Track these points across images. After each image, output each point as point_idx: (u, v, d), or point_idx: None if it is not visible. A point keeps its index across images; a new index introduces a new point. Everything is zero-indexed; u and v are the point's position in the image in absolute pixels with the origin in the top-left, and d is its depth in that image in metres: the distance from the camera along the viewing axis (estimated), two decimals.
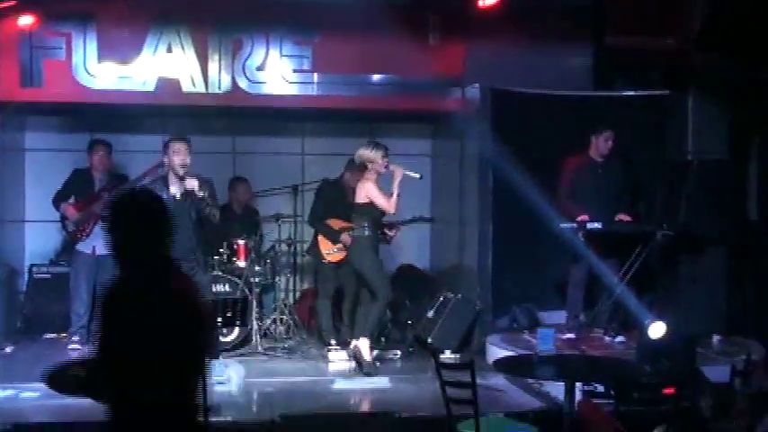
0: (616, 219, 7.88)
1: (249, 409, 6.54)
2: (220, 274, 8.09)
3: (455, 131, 9.02)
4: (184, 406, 3.26)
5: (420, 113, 9.25)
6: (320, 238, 8.38)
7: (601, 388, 6.18)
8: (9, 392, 6.39)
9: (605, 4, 8.92)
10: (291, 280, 9.45)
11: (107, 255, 8.62)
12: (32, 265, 8.97)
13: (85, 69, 8.27)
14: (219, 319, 5.68)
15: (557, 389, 6.04)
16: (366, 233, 7.47)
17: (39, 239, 9.22)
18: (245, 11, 8.45)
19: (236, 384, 7.09)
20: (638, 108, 8.72)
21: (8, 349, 7.96)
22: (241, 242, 8.35)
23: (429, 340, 8.07)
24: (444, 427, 5.18)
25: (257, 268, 8.44)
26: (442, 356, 7.65)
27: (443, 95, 8.87)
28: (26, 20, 8.02)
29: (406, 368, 7.70)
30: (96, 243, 8.02)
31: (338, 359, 7.89)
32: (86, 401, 3.43)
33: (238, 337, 8.06)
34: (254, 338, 8.14)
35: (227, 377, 7.09)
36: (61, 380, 3.27)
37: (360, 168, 7.54)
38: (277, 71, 8.62)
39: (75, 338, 8.06)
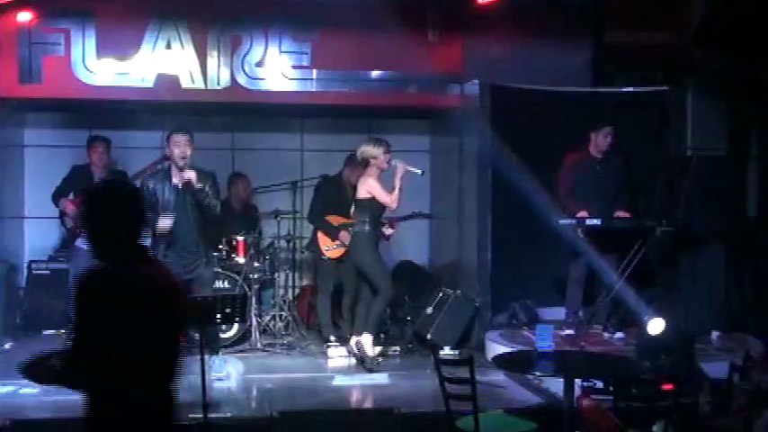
0: (615, 215, 7.88)
1: (248, 406, 6.54)
2: (219, 270, 8.09)
3: (454, 128, 9.02)
4: (161, 394, 3.26)
5: (419, 110, 9.26)
6: (319, 234, 8.37)
7: (600, 384, 6.18)
8: (8, 389, 6.40)
9: (604, 0, 8.92)
10: (290, 276, 9.46)
11: None
12: (32, 262, 8.97)
13: (84, 66, 8.27)
14: (218, 316, 5.66)
15: (556, 385, 6.04)
16: (366, 228, 7.47)
17: (38, 236, 9.22)
18: (244, 7, 8.46)
19: (236, 380, 7.11)
20: (638, 104, 8.72)
21: (7, 345, 7.96)
22: (240, 238, 8.34)
23: (428, 336, 8.07)
24: (443, 423, 5.18)
25: (256, 264, 8.44)
26: (441, 353, 7.65)
27: (442, 92, 8.87)
28: (25, 16, 8.04)
29: (405, 364, 7.70)
30: None
31: (337, 355, 7.89)
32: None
33: (237, 333, 8.07)
34: (253, 335, 8.14)
35: (226, 373, 7.11)
36: (37, 370, 3.27)
37: (362, 164, 7.53)
38: (276, 67, 8.62)
39: None
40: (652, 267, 8.18)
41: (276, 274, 9.04)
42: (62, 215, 8.21)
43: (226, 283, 8.12)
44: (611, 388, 6.02)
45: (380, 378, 7.26)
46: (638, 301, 7.45)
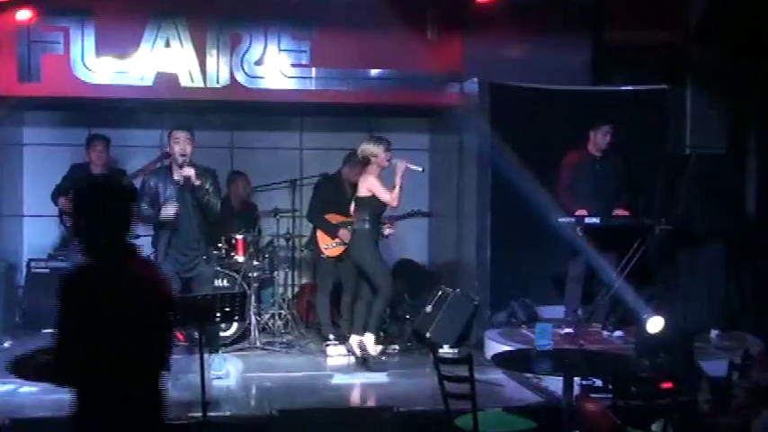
0: (614, 213, 7.88)
1: (247, 404, 6.53)
2: (219, 268, 8.09)
3: (453, 126, 9.02)
4: (149, 391, 3.26)
5: (418, 108, 9.26)
6: (319, 232, 8.37)
7: (599, 382, 6.18)
8: (8, 387, 6.39)
9: None
10: (290, 275, 9.46)
11: None
12: (31, 260, 8.96)
13: (83, 64, 8.27)
14: (218, 314, 5.67)
15: (555, 383, 6.04)
16: (366, 226, 7.46)
17: (37, 234, 9.22)
18: (243, 5, 8.46)
19: (235, 379, 7.11)
20: (637, 103, 8.72)
21: (6, 344, 7.96)
22: (239, 237, 8.34)
23: (427, 335, 8.08)
24: (442, 421, 5.18)
25: (255, 263, 8.44)
26: (440, 351, 7.66)
27: (442, 90, 8.87)
28: (24, 14, 8.03)
29: (404, 363, 7.70)
30: None
31: (336, 354, 7.89)
32: None
33: (237, 331, 8.06)
34: (252, 333, 8.14)
35: (225, 372, 7.11)
36: (25, 367, 3.28)
37: (363, 163, 7.52)
38: (275, 66, 8.61)
39: None
40: (651, 266, 8.18)
41: (275, 273, 9.04)
42: (61, 214, 8.21)
43: (225, 281, 8.12)
44: (610, 386, 6.02)
45: (379, 376, 7.25)
46: (638, 299, 7.45)
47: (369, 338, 7.47)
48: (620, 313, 8.02)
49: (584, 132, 8.08)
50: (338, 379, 7.28)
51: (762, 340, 7.51)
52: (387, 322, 8.59)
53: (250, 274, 8.31)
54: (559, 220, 7.69)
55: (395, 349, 8.11)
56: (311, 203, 8.60)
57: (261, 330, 8.35)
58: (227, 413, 6.06)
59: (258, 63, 8.59)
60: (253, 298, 8.20)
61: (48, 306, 8.71)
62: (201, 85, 8.47)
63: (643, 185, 8.53)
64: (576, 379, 5.73)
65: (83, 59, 8.26)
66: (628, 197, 8.16)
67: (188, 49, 8.41)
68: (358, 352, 7.56)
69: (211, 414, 5.60)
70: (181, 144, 6.86)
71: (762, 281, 8.48)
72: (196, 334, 6.43)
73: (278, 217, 8.95)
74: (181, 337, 7.74)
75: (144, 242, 8.31)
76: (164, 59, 8.37)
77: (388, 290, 7.47)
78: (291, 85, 8.69)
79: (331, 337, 8.15)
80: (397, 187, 7.35)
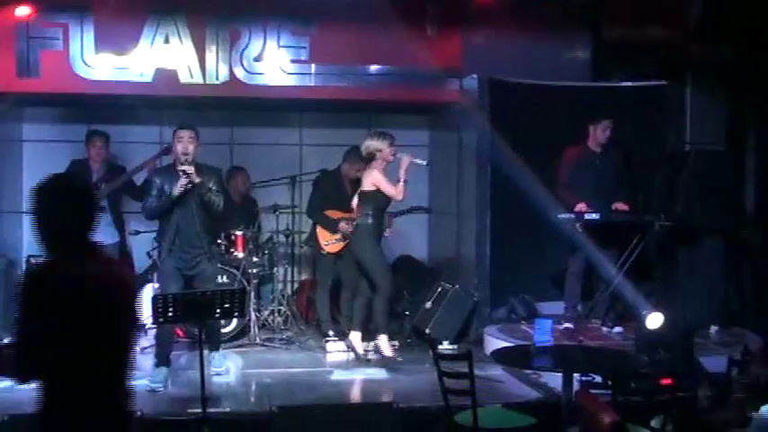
0: (613, 208, 7.88)
1: (247, 400, 6.54)
2: (218, 265, 8.09)
3: (453, 122, 9.02)
4: (109, 390, 3.26)
5: (418, 104, 9.25)
6: (319, 228, 8.37)
7: (598, 379, 6.20)
8: (6, 383, 6.36)
9: None
10: (289, 271, 9.46)
11: (105, 245, 8.61)
12: (30, 256, 8.94)
13: (83, 60, 8.26)
14: (217, 311, 5.67)
15: (554, 380, 6.04)
16: (369, 221, 7.44)
17: None
18: (242, 1, 8.45)
19: (234, 375, 7.11)
20: (636, 99, 8.72)
21: (6, 340, 7.93)
22: (239, 233, 8.34)
23: (427, 331, 8.08)
24: (442, 417, 5.19)
25: (255, 259, 8.44)
26: (439, 347, 7.69)
27: (441, 86, 8.87)
28: (23, 10, 8.03)
29: (403, 359, 7.68)
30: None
31: (336, 350, 7.89)
32: None
33: (236, 328, 8.07)
34: (251, 329, 8.15)
35: (225, 368, 7.11)
36: None
37: (367, 159, 7.49)
38: (274, 62, 8.61)
39: None
40: (651, 262, 8.18)
41: (275, 269, 9.04)
42: None
43: (225, 277, 8.12)
44: (609, 382, 6.03)
45: (379, 373, 7.26)
46: (637, 295, 7.46)
47: (383, 339, 7.44)
48: (620, 309, 8.02)
49: (583, 129, 8.07)
50: (338, 375, 7.27)
51: (761, 337, 7.52)
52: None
53: (250, 271, 8.32)
54: (559, 216, 7.70)
55: (394, 345, 8.11)
56: (311, 199, 8.60)
57: (260, 327, 8.35)
58: (227, 409, 6.07)
59: (257, 59, 8.58)
60: (252, 294, 8.21)
61: None
62: (201, 81, 8.46)
63: (642, 182, 8.53)
64: (576, 375, 5.72)
65: (82, 56, 8.26)
66: (627, 193, 8.15)
67: (187, 46, 8.40)
68: (359, 349, 7.56)
69: (211, 410, 5.60)
70: (183, 143, 6.83)
71: (761, 278, 8.49)
72: (196, 330, 6.44)
73: (277, 213, 8.95)
74: (181, 333, 7.74)
75: (145, 238, 8.40)
76: (163, 56, 8.36)
77: (387, 287, 7.45)
78: (291, 81, 8.69)
79: (330, 333, 8.15)
80: (402, 181, 7.33)
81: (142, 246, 8.68)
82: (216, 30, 8.47)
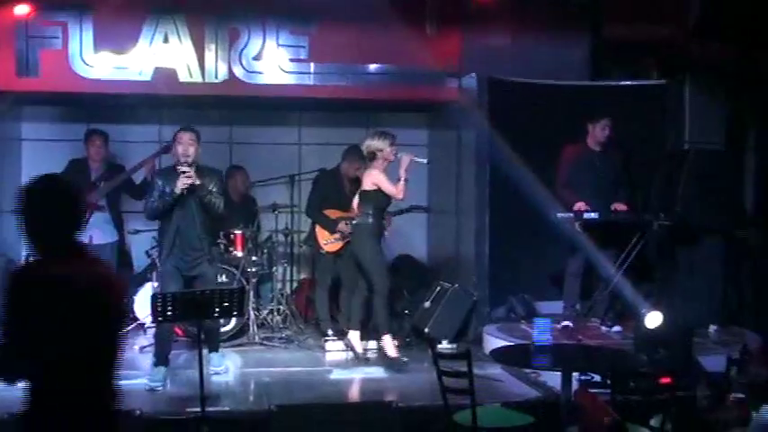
0: (612, 208, 7.87)
1: (246, 399, 6.54)
2: (217, 264, 8.09)
3: (452, 121, 9.01)
4: (96, 390, 3.26)
5: (417, 103, 9.25)
6: (318, 228, 8.36)
7: (597, 378, 6.19)
8: None
9: None
10: (288, 270, 9.46)
11: (104, 244, 8.61)
12: (29, 255, 8.92)
13: (82, 59, 8.25)
14: (216, 310, 5.67)
15: (553, 379, 6.04)
16: (369, 221, 7.42)
17: None
18: (241, 0, 8.44)
19: (233, 374, 7.11)
20: (636, 98, 8.72)
21: None
22: (238, 232, 8.34)
23: (426, 330, 8.08)
24: (441, 416, 5.19)
25: (254, 258, 8.43)
26: (438, 346, 7.69)
27: (440, 85, 8.86)
28: (22, 9, 8.02)
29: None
30: (93, 233, 8.04)
31: (335, 349, 7.89)
32: None
33: (235, 327, 8.06)
34: (251, 329, 8.15)
35: (224, 367, 7.11)
36: None
37: (369, 158, 7.47)
38: (274, 61, 8.60)
39: None
40: (650, 261, 8.18)
41: (274, 268, 9.03)
42: None
43: (224, 276, 8.11)
44: (608, 381, 6.03)
45: (378, 372, 7.26)
46: (636, 294, 7.45)
47: (387, 340, 7.40)
48: (619, 308, 8.02)
49: (582, 128, 8.06)
50: (337, 374, 7.28)
51: (760, 336, 7.52)
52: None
53: (249, 270, 8.31)
54: (558, 215, 7.69)
55: (393, 344, 8.10)
56: (310, 198, 8.59)
57: (259, 326, 8.35)
58: (226, 408, 6.07)
59: (256, 58, 8.57)
60: (251, 293, 8.20)
61: None
62: (200, 80, 8.46)
63: (642, 181, 8.53)
64: (575, 374, 5.72)
65: (81, 54, 8.25)
66: (626, 193, 8.15)
67: (186, 45, 8.40)
68: (358, 348, 7.55)
69: (210, 409, 5.60)
70: (183, 145, 6.81)
71: (760, 277, 8.49)
72: (195, 329, 6.43)
73: (277, 212, 8.95)
74: (180, 332, 7.74)
75: (144, 237, 8.40)
76: (162, 55, 8.35)
77: (385, 288, 7.40)
78: (290, 80, 8.68)
79: (330, 332, 8.15)
80: (402, 180, 7.32)
81: (141, 245, 8.69)
82: (215, 29, 8.46)
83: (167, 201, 6.75)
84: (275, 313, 8.64)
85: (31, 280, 3.17)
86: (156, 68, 8.36)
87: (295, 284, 9.69)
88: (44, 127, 9.40)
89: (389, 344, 7.41)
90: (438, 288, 8.42)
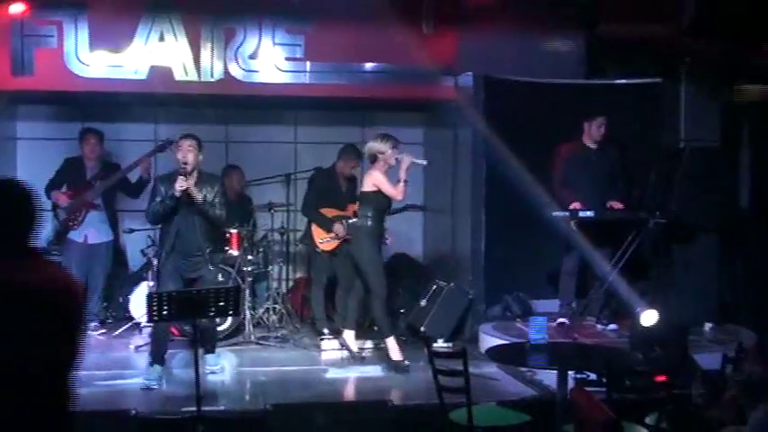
0: (607, 206, 7.88)
1: (242, 398, 6.54)
2: (217, 264, 8.08)
3: (448, 120, 9.01)
4: (52, 392, 3.24)
5: (413, 102, 9.24)
6: (314, 227, 8.35)
7: (593, 376, 6.19)
8: None
9: None
10: (284, 269, 9.46)
11: (99, 243, 8.60)
12: None
13: (77, 58, 8.24)
14: (212, 309, 5.66)
15: (549, 377, 6.05)
16: (369, 223, 7.38)
17: None
18: None
19: (229, 373, 7.11)
20: (631, 96, 8.72)
21: None
22: (234, 231, 8.32)
23: (422, 329, 8.08)
24: (437, 415, 5.19)
25: (250, 257, 8.43)
26: (434, 345, 7.67)
27: (436, 84, 8.86)
28: (17, 8, 8.00)
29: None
30: (88, 232, 8.05)
31: (331, 348, 7.88)
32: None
33: (231, 326, 8.05)
34: (246, 328, 8.14)
35: (219, 366, 7.11)
36: None
37: (370, 160, 7.46)
38: (269, 59, 8.60)
39: None
40: (645, 259, 8.19)
41: (270, 267, 9.02)
42: (55, 208, 8.19)
43: (219, 275, 8.10)
44: (604, 380, 6.02)
45: (374, 370, 7.27)
46: (631, 292, 7.46)
47: (391, 343, 7.37)
48: (615, 307, 8.03)
49: (578, 126, 8.07)
50: (332, 373, 7.28)
51: (755, 333, 7.53)
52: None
53: (244, 269, 8.31)
54: (554, 213, 7.70)
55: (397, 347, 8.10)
56: (305, 197, 8.58)
57: (255, 325, 8.34)
58: (222, 407, 6.08)
59: (252, 57, 8.57)
60: (247, 292, 8.19)
61: None
62: (196, 78, 8.45)
63: (637, 179, 8.53)
64: (571, 372, 5.73)
65: (76, 53, 8.24)
66: (622, 190, 8.15)
67: (182, 43, 8.39)
68: (353, 347, 7.55)
69: (206, 408, 5.59)
70: (183, 152, 6.78)
71: (755, 275, 8.50)
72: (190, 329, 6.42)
73: (272, 211, 8.94)
74: (176, 331, 7.73)
75: (140, 236, 8.39)
76: (158, 53, 8.34)
77: (382, 291, 7.36)
78: (286, 78, 8.67)
79: (325, 331, 8.15)
80: (402, 181, 7.30)
81: (136, 244, 8.68)
82: (211, 27, 8.45)
83: (167, 204, 6.74)
84: (271, 312, 8.64)
85: None
86: (152, 67, 8.35)
87: (291, 283, 9.68)
88: (39, 126, 9.39)
89: (393, 347, 7.35)
90: (434, 287, 8.42)
